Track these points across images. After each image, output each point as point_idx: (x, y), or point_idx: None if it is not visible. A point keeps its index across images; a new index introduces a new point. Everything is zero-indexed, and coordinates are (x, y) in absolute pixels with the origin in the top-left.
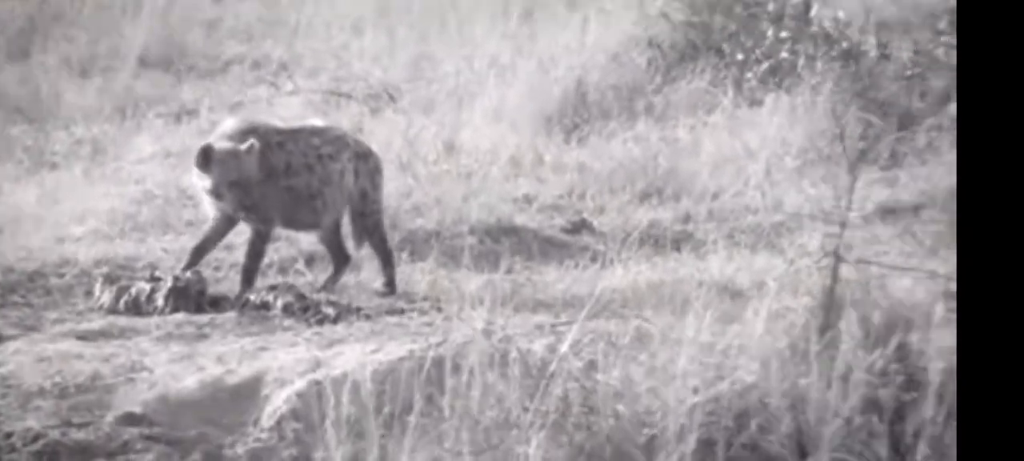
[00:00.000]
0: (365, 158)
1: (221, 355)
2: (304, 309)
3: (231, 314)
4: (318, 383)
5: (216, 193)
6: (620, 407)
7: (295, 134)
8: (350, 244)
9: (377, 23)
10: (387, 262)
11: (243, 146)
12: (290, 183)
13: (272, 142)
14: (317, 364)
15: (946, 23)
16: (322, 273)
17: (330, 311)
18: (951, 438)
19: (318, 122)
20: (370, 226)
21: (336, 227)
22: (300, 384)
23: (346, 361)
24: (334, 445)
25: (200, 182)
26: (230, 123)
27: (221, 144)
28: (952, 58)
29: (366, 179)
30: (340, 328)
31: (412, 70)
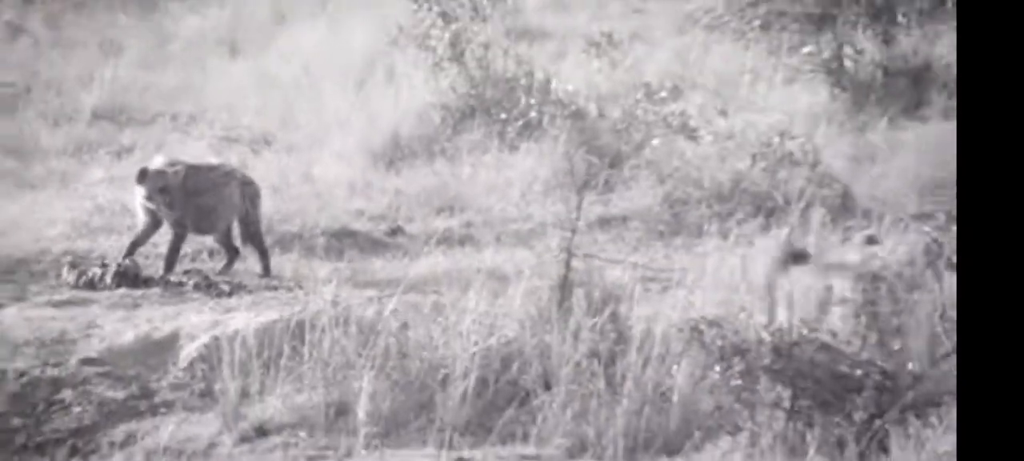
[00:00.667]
0: (248, 185)
1: (150, 318)
2: (208, 286)
3: (157, 289)
4: (217, 338)
5: (149, 198)
6: (424, 355)
7: (199, 168)
8: (239, 243)
9: (257, 89)
10: (263, 255)
11: (171, 169)
12: (197, 201)
13: (184, 173)
14: (216, 324)
15: (643, 94)
16: (220, 262)
17: (225, 288)
18: (649, 376)
19: (214, 160)
20: (252, 231)
21: (228, 231)
22: (205, 338)
23: (237, 322)
24: (229, 379)
25: (138, 192)
26: (159, 159)
27: (152, 166)
28: (648, 117)
29: (248, 200)
30: (233, 300)
31: (281, 122)
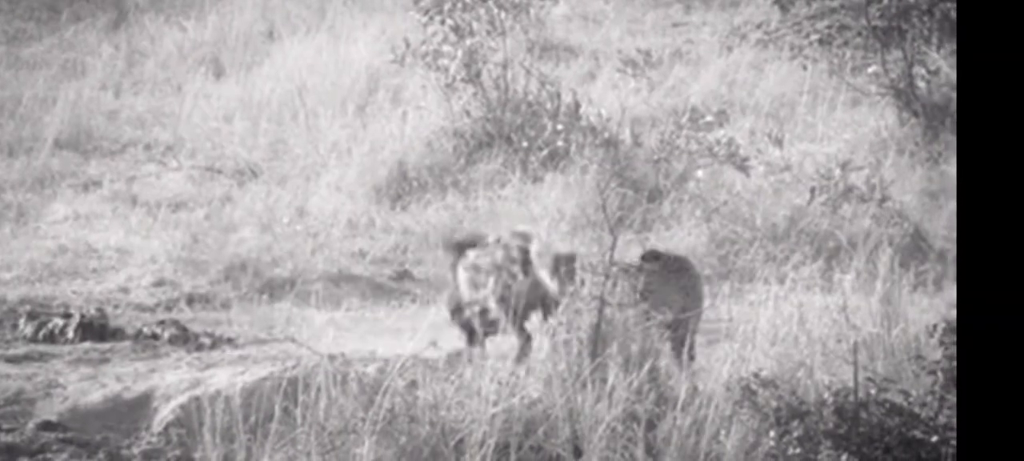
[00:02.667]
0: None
1: (120, 375)
2: (186, 339)
3: (127, 343)
4: (197, 398)
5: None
6: (435, 417)
7: None
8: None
9: (243, 114)
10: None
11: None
12: None
13: None
14: (196, 382)
15: (685, 119)
16: (203, 310)
17: (206, 341)
18: (694, 443)
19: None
20: None
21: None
22: (182, 398)
23: (219, 380)
24: (210, 447)
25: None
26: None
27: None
28: (691, 146)
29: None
30: (215, 354)
31: (271, 151)
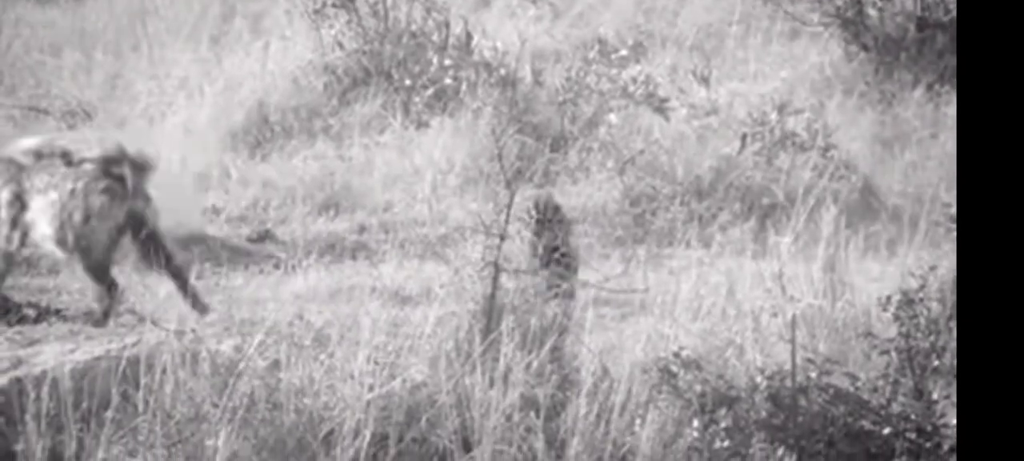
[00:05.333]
0: None
1: None
2: (5, 310)
3: None
4: (19, 380)
5: None
6: (301, 403)
7: None
8: None
9: (73, 44)
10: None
11: None
12: None
13: None
14: (18, 362)
15: (595, 53)
16: (26, 276)
17: (30, 312)
18: (602, 433)
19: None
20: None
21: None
22: (2, 380)
23: (45, 359)
24: (34, 438)
25: None
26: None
27: None
28: (602, 85)
29: None
30: (40, 329)
31: (107, 89)
